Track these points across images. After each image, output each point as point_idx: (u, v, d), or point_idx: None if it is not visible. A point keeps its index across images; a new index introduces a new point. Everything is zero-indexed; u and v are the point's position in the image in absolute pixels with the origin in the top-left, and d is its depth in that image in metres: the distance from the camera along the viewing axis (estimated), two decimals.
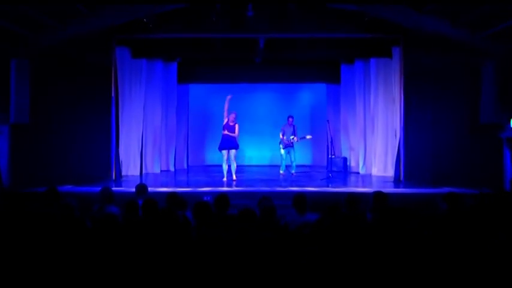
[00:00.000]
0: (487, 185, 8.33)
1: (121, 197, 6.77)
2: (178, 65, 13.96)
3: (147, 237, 3.98)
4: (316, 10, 10.39)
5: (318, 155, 15.45)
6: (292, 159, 12.53)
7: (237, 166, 11.24)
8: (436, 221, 4.42)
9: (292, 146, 12.48)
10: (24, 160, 9.17)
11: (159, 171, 13.37)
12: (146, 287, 3.64)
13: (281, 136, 12.53)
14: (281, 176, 12.29)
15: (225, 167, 11.09)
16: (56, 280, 3.60)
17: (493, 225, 4.38)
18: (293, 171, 12.55)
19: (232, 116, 10.98)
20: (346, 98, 13.96)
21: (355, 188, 10.05)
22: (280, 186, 10.13)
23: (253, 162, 15.62)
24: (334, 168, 12.94)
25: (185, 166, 14.82)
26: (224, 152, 11.05)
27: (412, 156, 10.96)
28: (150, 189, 6.83)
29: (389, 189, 9.72)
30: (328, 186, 10.18)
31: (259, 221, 4.72)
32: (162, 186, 9.82)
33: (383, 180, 11.42)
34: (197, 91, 15.50)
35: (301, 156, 14.36)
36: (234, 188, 9.86)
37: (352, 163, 13.76)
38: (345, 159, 13.84)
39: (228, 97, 11.14)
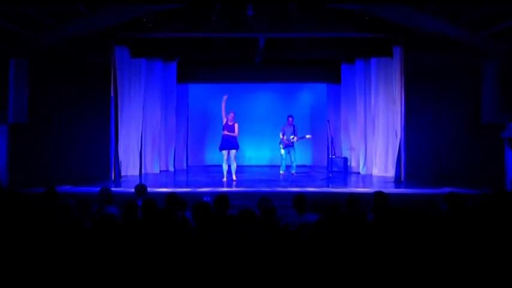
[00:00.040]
0: (488, 185, 8.31)
1: (120, 198, 6.82)
2: (177, 65, 13.94)
3: (146, 238, 3.95)
4: (316, 10, 10.36)
5: (318, 155, 15.43)
6: (292, 159, 12.52)
7: (237, 166, 11.22)
8: (437, 222, 4.39)
9: (293, 146, 12.47)
10: (22, 160, 9.15)
11: (159, 172, 13.35)
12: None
13: (281, 136, 12.52)
14: (281, 176, 12.27)
15: (225, 167, 11.07)
16: (54, 281, 3.58)
17: (494, 226, 4.35)
18: (293, 172, 12.53)
19: (231, 115, 10.96)
20: (346, 97, 13.93)
21: (356, 188, 10.01)
22: (280, 186, 10.10)
23: (253, 163, 15.60)
24: (335, 169, 12.92)
25: (185, 166, 14.81)
26: (224, 152, 11.03)
27: (413, 156, 10.94)
28: (149, 189, 6.80)
29: (390, 189, 9.69)
30: (328, 187, 10.15)
31: (259, 221, 4.69)
32: (161, 186, 9.78)
33: (384, 180, 11.40)
34: (197, 91, 15.47)
35: (301, 156, 14.33)
36: (234, 189, 9.83)
37: (353, 163, 13.74)
38: (346, 159, 13.81)
39: (224, 97, 11.14)
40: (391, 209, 4.53)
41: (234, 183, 10.70)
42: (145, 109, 12.75)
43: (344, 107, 14.08)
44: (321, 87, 15.37)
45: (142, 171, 12.66)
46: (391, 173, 11.83)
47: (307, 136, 12.78)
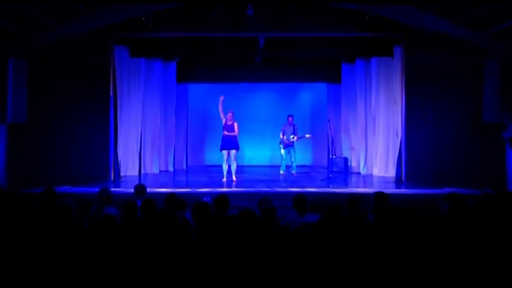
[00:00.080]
0: (489, 185, 8.28)
1: (119, 198, 6.89)
2: (177, 65, 13.90)
3: (145, 239, 3.94)
4: (316, 9, 10.33)
5: (319, 155, 15.41)
6: (293, 159, 12.50)
7: (237, 166, 11.20)
8: (438, 222, 4.39)
9: (293, 146, 12.45)
10: (21, 160, 9.12)
11: (158, 172, 13.32)
12: None
13: (281, 136, 12.49)
14: (281, 177, 12.24)
15: (225, 167, 11.04)
16: (53, 282, 3.57)
17: (495, 226, 4.34)
18: (293, 172, 12.51)
19: (230, 115, 10.95)
20: (347, 97, 13.90)
21: (356, 188, 10.00)
22: (281, 186, 10.06)
23: (253, 163, 15.57)
24: (335, 169, 12.89)
25: (184, 166, 14.77)
26: (224, 152, 11.00)
27: (414, 156, 10.91)
28: (149, 189, 6.79)
29: (391, 189, 9.66)
30: (329, 187, 10.13)
31: (259, 222, 4.69)
32: (161, 186, 9.78)
33: (384, 180, 11.37)
34: (196, 91, 15.43)
35: (301, 156, 14.31)
36: (234, 189, 9.81)
37: (353, 163, 13.71)
38: (346, 159, 13.77)
39: (221, 98, 11.10)
40: (392, 209, 4.55)
41: (234, 183, 10.67)
42: (145, 109, 12.71)
43: (344, 107, 14.04)
44: (321, 87, 15.34)
45: (142, 172, 12.62)
46: (391, 173, 11.80)
47: (307, 135, 12.77)
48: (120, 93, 11.61)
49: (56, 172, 9.53)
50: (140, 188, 6.52)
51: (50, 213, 4.61)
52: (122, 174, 11.64)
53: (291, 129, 12.44)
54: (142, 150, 12.64)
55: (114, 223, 4.37)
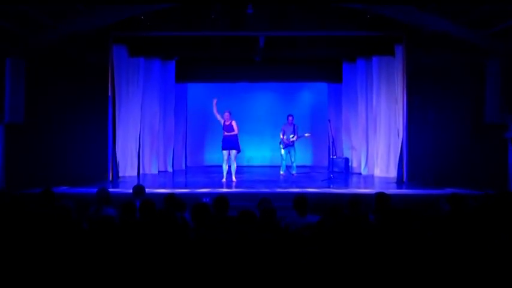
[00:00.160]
0: (491, 186, 8.27)
1: (118, 198, 6.82)
2: (176, 64, 13.81)
3: (144, 239, 3.91)
4: (316, 8, 10.28)
5: (319, 156, 15.37)
6: (293, 159, 12.48)
7: (237, 167, 11.17)
8: (439, 222, 4.37)
9: (293, 146, 12.44)
10: (19, 160, 9.10)
11: (157, 172, 13.25)
12: None
13: (281, 136, 12.46)
14: (281, 177, 12.22)
15: (225, 168, 11.02)
16: (52, 282, 3.56)
17: (497, 227, 4.34)
18: (293, 172, 12.49)
19: (226, 115, 10.93)
20: (347, 97, 13.84)
21: (357, 189, 10.04)
22: (281, 187, 10.05)
23: (253, 163, 15.52)
24: (336, 169, 12.85)
25: (183, 167, 14.70)
26: (225, 152, 10.97)
27: (415, 156, 10.86)
28: (147, 190, 6.78)
29: (392, 190, 9.63)
30: (329, 187, 10.09)
31: (259, 223, 4.66)
32: (160, 187, 9.80)
33: (385, 181, 11.36)
34: (196, 90, 15.36)
35: (301, 156, 14.28)
36: (234, 189, 9.79)
37: (354, 164, 13.66)
38: (347, 159, 13.73)
39: (214, 101, 11.10)
40: (393, 210, 4.50)
41: (234, 184, 10.65)
42: (144, 109, 12.66)
43: (345, 107, 13.98)
44: (322, 87, 15.30)
45: (141, 172, 12.57)
46: (393, 173, 11.74)
47: (306, 134, 12.78)
48: (118, 93, 11.56)
49: (54, 172, 9.51)
50: (139, 189, 6.49)
51: (48, 213, 4.58)
52: (120, 174, 11.61)
53: (291, 128, 12.41)
54: (141, 151, 12.59)
55: (113, 224, 4.35)
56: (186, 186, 10.45)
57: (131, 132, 12.24)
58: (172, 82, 13.85)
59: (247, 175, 12.76)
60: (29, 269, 3.60)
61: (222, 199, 5.46)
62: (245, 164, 15.14)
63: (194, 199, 7.25)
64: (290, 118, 12.54)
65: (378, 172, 12.49)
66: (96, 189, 6.14)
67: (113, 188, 9.73)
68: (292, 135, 12.36)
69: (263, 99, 15.88)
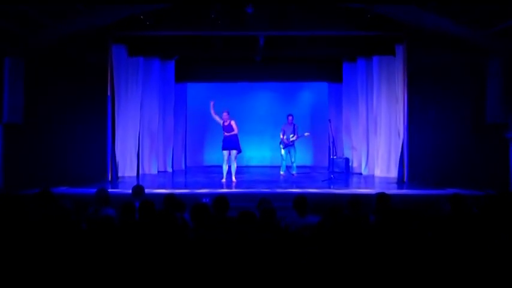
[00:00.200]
0: (492, 186, 8.25)
1: (117, 199, 6.79)
2: (176, 63, 13.81)
3: (144, 240, 3.90)
4: (317, 7, 10.25)
5: (319, 156, 15.36)
6: (293, 159, 12.46)
7: (237, 167, 11.13)
8: (440, 223, 4.34)
9: (293, 145, 12.41)
10: (17, 161, 9.07)
11: (157, 172, 13.23)
12: None
13: (281, 136, 12.44)
14: (281, 177, 12.20)
15: (225, 168, 10.99)
16: (50, 283, 3.55)
17: (498, 227, 4.34)
18: (294, 172, 12.47)
19: (225, 115, 10.91)
20: (348, 97, 13.82)
21: (358, 189, 9.98)
22: (281, 187, 10.02)
23: (253, 163, 15.50)
24: (336, 169, 12.82)
25: (183, 167, 14.68)
26: (225, 152, 10.94)
27: (416, 156, 10.83)
28: (147, 190, 6.76)
29: (393, 190, 9.57)
30: (329, 188, 10.05)
31: (259, 223, 4.64)
32: (159, 187, 9.74)
33: (386, 181, 11.33)
34: (195, 90, 15.33)
35: (302, 156, 14.27)
36: (234, 190, 9.76)
37: (355, 164, 13.65)
38: (347, 159, 13.71)
39: (211, 103, 11.10)
40: (393, 210, 4.48)
41: (234, 184, 10.62)
42: (143, 109, 12.64)
43: (346, 107, 13.97)
44: (322, 86, 15.27)
45: (140, 172, 12.52)
46: (393, 173, 11.72)
47: (306, 134, 12.75)
48: (117, 93, 11.52)
49: (53, 173, 9.49)
50: (138, 189, 6.48)
51: (47, 214, 4.56)
52: (119, 174, 11.58)
53: (291, 128, 12.40)
54: (140, 151, 12.56)
55: (112, 224, 4.35)
56: (185, 187, 10.41)
57: (130, 132, 12.21)
58: (172, 82, 13.84)
59: (247, 175, 12.74)
60: (28, 269, 3.59)
61: (221, 199, 5.43)
62: (245, 164, 15.12)
63: (194, 199, 7.24)
64: (290, 118, 12.52)
65: (378, 172, 12.47)
66: (95, 190, 6.12)
67: (112, 188, 9.67)
68: (292, 135, 12.33)
69: (263, 99, 15.87)
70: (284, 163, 12.57)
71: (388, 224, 4.24)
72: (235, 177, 11.00)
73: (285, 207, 5.99)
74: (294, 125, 12.44)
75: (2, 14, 8.26)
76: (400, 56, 11.24)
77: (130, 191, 6.59)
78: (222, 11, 9.92)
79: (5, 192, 7.65)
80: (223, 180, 10.93)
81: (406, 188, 10.17)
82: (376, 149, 12.60)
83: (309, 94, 15.99)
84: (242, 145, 11.15)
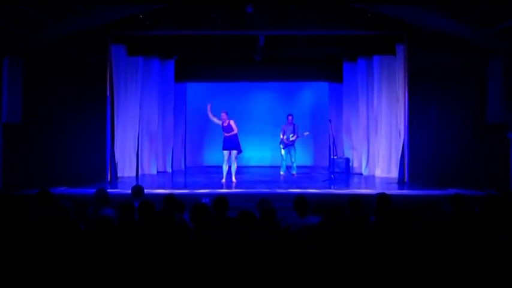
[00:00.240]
0: (493, 186, 8.23)
1: (116, 199, 6.77)
2: (175, 63, 13.76)
3: (143, 241, 3.90)
4: (317, 7, 10.22)
5: (320, 156, 15.31)
6: (293, 159, 12.45)
7: (237, 167, 11.10)
8: (441, 223, 4.33)
9: (293, 145, 12.39)
10: (16, 161, 9.07)
11: (156, 173, 13.18)
12: None
13: (281, 136, 12.42)
14: (281, 177, 12.18)
15: (225, 168, 10.96)
16: (49, 284, 3.56)
17: (499, 228, 4.32)
18: (294, 172, 12.45)
19: (223, 115, 10.89)
20: (348, 97, 13.78)
21: (358, 189, 10.00)
22: (281, 187, 10.00)
23: (253, 163, 15.46)
24: (336, 169, 12.75)
25: (183, 167, 14.62)
26: (225, 152, 10.91)
27: (417, 157, 10.79)
28: (146, 191, 6.75)
29: (393, 190, 9.55)
30: (330, 188, 10.04)
31: (259, 223, 4.62)
32: (159, 187, 9.75)
33: (387, 181, 11.30)
34: (195, 90, 15.28)
35: (302, 156, 14.24)
36: (233, 190, 9.75)
37: (355, 164, 13.62)
38: (348, 160, 13.67)
39: (208, 106, 11.08)
40: (394, 211, 4.47)
41: (234, 184, 10.60)
42: (142, 109, 12.61)
43: (346, 107, 13.92)
44: (323, 86, 15.23)
45: (139, 172, 12.49)
46: (394, 174, 11.69)
47: (305, 133, 12.72)
48: (117, 93, 11.47)
49: (52, 173, 9.47)
50: (138, 189, 6.46)
51: (46, 214, 4.56)
52: (119, 175, 11.53)
53: (291, 128, 12.39)
54: (139, 151, 12.52)
55: (111, 225, 4.32)
56: (185, 187, 10.41)
57: (130, 132, 12.18)
58: (172, 81, 13.79)
59: (247, 175, 12.71)
60: (27, 269, 3.59)
61: (221, 200, 5.42)
62: (245, 164, 15.08)
63: (193, 200, 7.19)
64: (290, 118, 12.50)
65: (379, 172, 12.43)
66: (95, 190, 6.12)
67: (111, 188, 9.64)
68: (292, 135, 12.31)
69: (263, 98, 15.81)
70: (284, 163, 12.55)
71: (389, 224, 4.23)
72: (235, 178, 10.98)
73: (285, 208, 5.95)
74: (294, 124, 12.41)
75: (1, 13, 8.24)
76: (401, 56, 11.19)
77: (129, 191, 6.55)
78: (221, 10, 9.90)
79: (4, 193, 7.65)
80: (223, 180, 10.91)
81: (407, 189, 10.15)
82: (376, 149, 12.57)
83: (309, 94, 15.94)
84: (242, 145, 11.12)
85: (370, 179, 12.11)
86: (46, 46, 9.48)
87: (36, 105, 9.35)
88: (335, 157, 12.40)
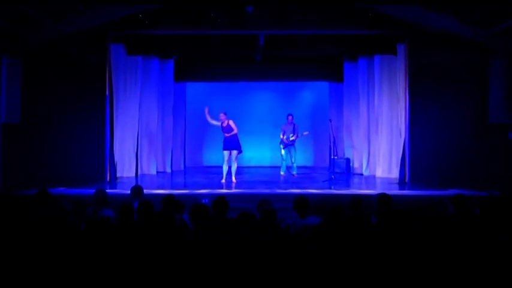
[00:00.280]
0: (495, 187, 8.21)
1: (116, 199, 6.72)
2: (175, 63, 13.71)
3: (142, 241, 3.88)
4: (317, 6, 10.19)
5: (320, 156, 15.28)
6: (293, 160, 12.43)
7: (237, 167, 11.08)
8: (442, 224, 4.31)
9: (293, 145, 12.36)
10: (15, 161, 9.06)
11: (155, 173, 13.14)
12: None
13: (281, 136, 12.40)
14: (282, 178, 12.16)
15: (225, 168, 10.93)
16: (48, 284, 3.55)
17: (500, 228, 4.32)
18: (294, 173, 12.43)
19: (222, 116, 10.86)
20: (349, 96, 13.73)
21: (359, 190, 9.93)
22: (281, 188, 9.96)
23: (253, 163, 15.42)
24: (337, 170, 12.70)
25: (182, 167, 14.57)
26: (226, 152, 10.88)
27: (418, 157, 10.74)
28: (145, 191, 6.78)
29: (394, 191, 9.53)
30: (330, 188, 10.01)
31: (259, 224, 4.61)
32: (158, 188, 9.76)
33: (387, 181, 11.26)
34: (195, 90, 15.25)
35: (302, 157, 14.21)
36: (233, 190, 9.71)
37: (356, 164, 13.58)
38: (348, 160, 13.63)
39: (206, 109, 11.07)
40: (395, 211, 4.46)
41: (234, 184, 10.57)
42: (142, 108, 12.58)
43: (347, 107, 13.88)
44: (323, 86, 15.21)
45: (139, 172, 12.47)
46: (395, 174, 11.63)
47: (304, 133, 12.69)
48: (116, 93, 11.42)
49: (50, 173, 9.49)
50: (137, 190, 6.47)
51: (45, 215, 4.56)
52: (118, 175, 11.50)
53: (291, 128, 12.36)
54: (139, 151, 12.49)
55: (110, 225, 4.33)
56: (184, 187, 10.39)
57: (129, 132, 12.14)
58: (171, 81, 13.74)
59: (247, 176, 12.69)
60: (26, 270, 3.58)
61: (221, 200, 5.41)
62: (245, 164, 15.04)
63: (193, 200, 7.18)
64: (290, 117, 12.47)
65: (379, 173, 12.38)
66: (94, 190, 6.13)
67: (110, 188, 9.60)
68: (291, 135, 12.28)
69: (263, 98, 15.78)
70: (284, 163, 12.52)
71: (390, 225, 4.21)
72: (235, 178, 10.95)
73: (286, 208, 5.95)
74: (294, 124, 12.39)
75: (1, 13, 8.21)
76: (402, 55, 11.14)
77: (129, 192, 6.56)
78: (221, 10, 9.86)
79: (3, 193, 7.63)
80: (223, 180, 10.88)
81: (408, 189, 10.12)
82: (377, 149, 12.51)
83: (310, 94, 15.91)
84: (242, 145, 11.09)
85: (370, 180, 12.06)
86: (44, 45, 9.48)
87: (35, 105, 9.35)
88: (335, 157, 12.38)
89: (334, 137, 11.86)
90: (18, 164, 9.05)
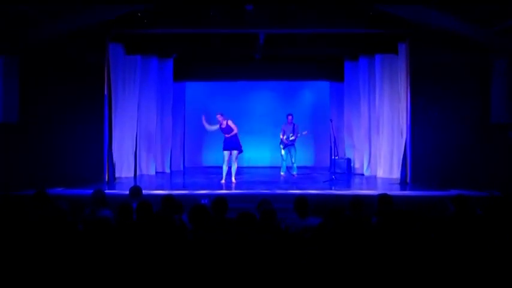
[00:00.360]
0: (497, 187, 8.19)
1: (114, 200, 6.70)
2: (174, 62, 13.67)
3: (141, 242, 3.88)
4: (318, 5, 10.16)
5: (321, 156, 15.26)
6: (293, 160, 12.41)
7: (237, 168, 11.07)
8: (444, 225, 4.29)
9: (293, 145, 12.33)
10: (13, 161, 9.05)
11: (154, 173, 13.12)
12: None
13: (281, 136, 12.37)
14: (282, 178, 12.14)
15: (225, 169, 10.92)
16: (47, 284, 3.55)
17: (502, 229, 4.31)
18: (294, 173, 12.41)
19: (219, 117, 10.88)
20: (350, 96, 13.71)
21: (360, 190, 9.99)
22: (281, 188, 9.96)
23: (253, 164, 15.39)
24: (338, 170, 12.70)
25: (181, 167, 14.54)
26: (226, 152, 10.87)
27: (419, 157, 10.72)
28: (144, 191, 6.79)
29: (395, 191, 9.52)
30: (331, 189, 10.00)
31: (259, 224, 4.60)
32: (157, 188, 9.81)
33: (388, 182, 11.23)
34: (194, 89, 15.24)
35: (302, 157, 14.18)
36: (233, 191, 9.71)
37: (356, 164, 13.56)
38: (349, 160, 13.58)
39: (203, 117, 11.13)
40: (396, 211, 4.44)
41: (233, 185, 10.56)
42: (141, 108, 12.55)
43: (347, 106, 13.86)
44: (324, 86, 15.19)
45: (137, 173, 12.47)
46: (396, 174, 11.60)
47: (304, 132, 12.65)
48: (115, 92, 11.40)
49: (49, 173, 9.49)
50: (136, 190, 6.48)
51: (43, 215, 4.53)
52: (116, 175, 11.44)
53: (291, 128, 12.34)
54: (137, 151, 12.47)
55: (109, 226, 4.34)
56: (184, 188, 10.43)
57: (128, 132, 12.12)
58: (170, 81, 13.71)
59: (247, 176, 12.67)
60: (24, 270, 3.58)
61: (221, 200, 5.40)
62: (245, 164, 15.01)
63: (192, 200, 7.23)
64: (290, 117, 12.45)
65: (380, 173, 12.35)
66: (92, 191, 6.10)
67: (109, 189, 9.59)
68: (291, 135, 12.25)
69: (263, 98, 15.75)
70: (284, 164, 12.51)
71: (391, 225, 4.20)
72: (235, 178, 10.95)
73: (286, 209, 5.97)
74: (294, 124, 12.37)
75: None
76: (403, 55, 11.11)
77: (127, 192, 6.57)
78: (221, 8, 9.83)
79: (1, 193, 7.61)
80: (223, 181, 10.87)
81: (409, 189, 10.11)
82: (378, 149, 12.50)
83: (310, 93, 15.88)
84: (242, 145, 11.06)
85: (371, 180, 12.05)
86: (42, 45, 9.46)
87: (33, 105, 9.36)
88: (336, 157, 12.39)
89: (334, 137, 11.86)
90: (15, 164, 9.05)
